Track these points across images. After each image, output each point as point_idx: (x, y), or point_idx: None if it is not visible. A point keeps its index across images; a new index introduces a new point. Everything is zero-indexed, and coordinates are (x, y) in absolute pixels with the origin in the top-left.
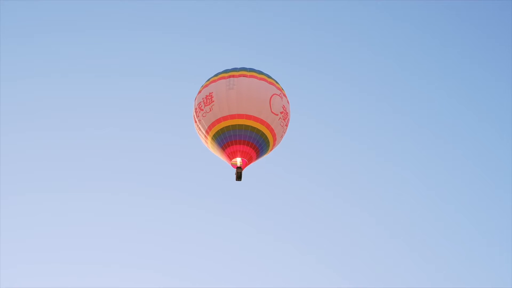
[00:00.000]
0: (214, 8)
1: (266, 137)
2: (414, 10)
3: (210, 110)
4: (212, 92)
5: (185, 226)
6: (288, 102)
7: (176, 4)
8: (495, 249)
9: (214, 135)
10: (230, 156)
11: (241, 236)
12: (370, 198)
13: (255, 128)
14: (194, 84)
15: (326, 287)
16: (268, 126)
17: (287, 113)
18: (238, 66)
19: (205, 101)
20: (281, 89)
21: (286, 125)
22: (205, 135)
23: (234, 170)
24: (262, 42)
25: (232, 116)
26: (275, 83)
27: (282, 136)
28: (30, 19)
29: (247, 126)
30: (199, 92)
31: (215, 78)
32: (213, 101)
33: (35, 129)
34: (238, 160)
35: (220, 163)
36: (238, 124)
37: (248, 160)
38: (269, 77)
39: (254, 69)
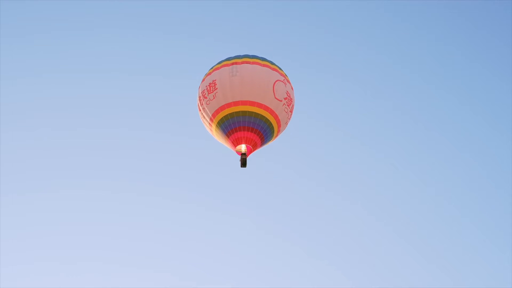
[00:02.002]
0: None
1: (271, 123)
2: (414, 10)
3: (214, 98)
4: (215, 80)
5: (187, 223)
6: (292, 88)
7: (173, 2)
8: (495, 249)
9: (218, 122)
10: (235, 143)
11: (242, 233)
12: (370, 193)
13: (259, 114)
14: (193, 81)
15: (327, 287)
16: (272, 112)
17: (291, 99)
18: (241, 54)
19: (208, 88)
20: (284, 75)
21: (291, 111)
22: (209, 123)
23: (239, 157)
24: (264, 35)
25: (236, 103)
26: (278, 69)
27: (287, 123)
28: (31, 19)
29: (251, 113)
30: (203, 80)
31: (218, 65)
32: (217, 88)
33: (37, 128)
34: (243, 147)
35: (225, 152)
36: (242, 111)
37: (252, 147)
38: (272, 63)
39: (257, 56)
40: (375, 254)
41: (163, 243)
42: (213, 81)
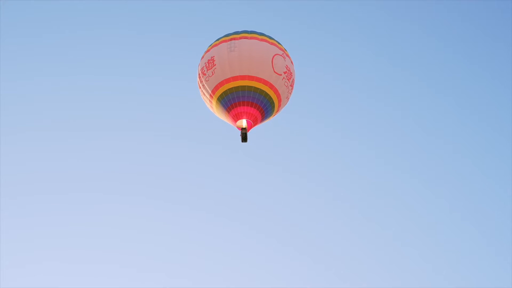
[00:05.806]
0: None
1: (271, 98)
2: (414, 9)
3: (213, 74)
4: (214, 56)
5: (187, 222)
6: (292, 63)
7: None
8: (495, 249)
9: (218, 98)
10: (235, 118)
11: (241, 232)
12: (371, 187)
13: (258, 88)
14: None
15: (326, 287)
16: (271, 86)
17: (291, 73)
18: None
19: (207, 65)
20: (283, 50)
21: (291, 86)
22: (209, 100)
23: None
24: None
25: (235, 78)
26: (277, 43)
27: (287, 97)
28: (31, 19)
29: (250, 87)
30: (202, 57)
31: (217, 42)
32: (215, 64)
33: (39, 129)
34: (243, 122)
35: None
36: (241, 86)
37: (253, 122)
38: (271, 38)
39: (256, 31)
40: (375, 252)
41: (162, 242)
42: (211, 57)
